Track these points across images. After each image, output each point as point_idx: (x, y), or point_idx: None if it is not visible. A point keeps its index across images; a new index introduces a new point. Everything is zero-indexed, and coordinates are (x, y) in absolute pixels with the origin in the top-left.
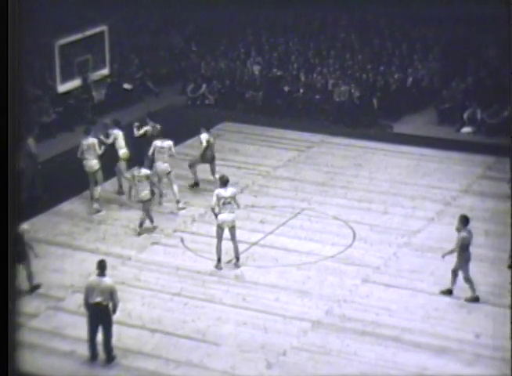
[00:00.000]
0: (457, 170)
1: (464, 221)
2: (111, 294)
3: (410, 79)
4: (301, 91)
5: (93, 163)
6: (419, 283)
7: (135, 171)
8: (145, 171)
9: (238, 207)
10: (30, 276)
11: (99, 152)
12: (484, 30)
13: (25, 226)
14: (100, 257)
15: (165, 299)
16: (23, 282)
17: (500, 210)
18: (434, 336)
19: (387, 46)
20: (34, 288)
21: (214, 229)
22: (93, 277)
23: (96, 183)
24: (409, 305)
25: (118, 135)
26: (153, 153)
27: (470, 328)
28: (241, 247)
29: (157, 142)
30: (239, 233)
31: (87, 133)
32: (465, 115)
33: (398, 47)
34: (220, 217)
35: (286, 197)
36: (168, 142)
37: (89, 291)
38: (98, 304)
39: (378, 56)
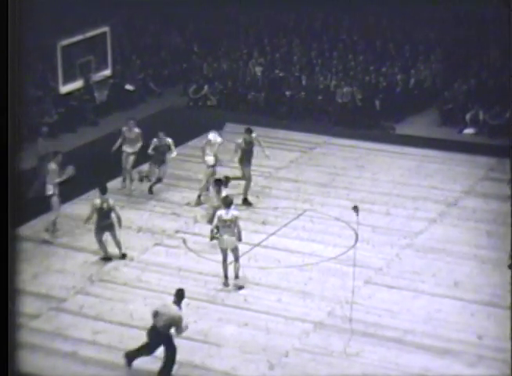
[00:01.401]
0: (459, 171)
1: None
2: (176, 324)
3: (412, 80)
4: (303, 92)
5: (48, 188)
6: (421, 284)
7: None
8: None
9: (238, 232)
10: (118, 245)
11: (57, 180)
12: (485, 31)
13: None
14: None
15: (167, 300)
16: (25, 282)
17: (503, 211)
18: (437, 337)
19: (389, 47)
20: (123, 256)
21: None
22: (168, 302)
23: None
24: (412, 306)
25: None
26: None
27: (472, 329)
28: (243, 248)
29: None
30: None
31: (52, 159)
32: (467, 116)
33: (400, 48)
34: (220, 239)
35: (288, 198)
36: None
37: (157, 313)
38: (155, 328)
39: (380, 58)
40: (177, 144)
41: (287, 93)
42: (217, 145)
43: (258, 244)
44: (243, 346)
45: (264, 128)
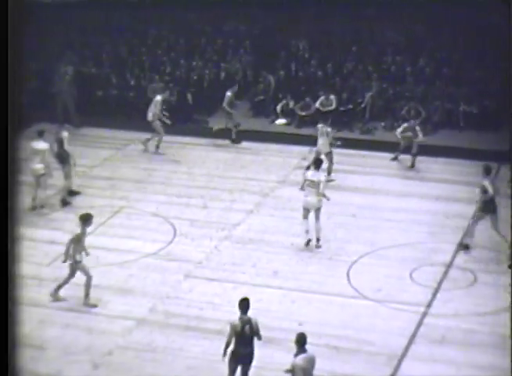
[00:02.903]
0: (273, 161)
1: None
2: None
3: (223, 73)
4: (114, 90)
5: (38, 167)
6: (241, 275)
7: None
8: None
9: (323, 195)
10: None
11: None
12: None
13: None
14: None
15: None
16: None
17: None
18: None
19: (200, 42)
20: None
21: (31, 232)
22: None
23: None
24: (232, 297)
25: None
26: None
27: (293, 317)
28: (60, 248)
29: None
30: (57, 234)
31: (40, 136)
32: (278, 107)
33: (211, 41)
34: (304, 199)
35: (104, 196)
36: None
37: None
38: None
39: (190, 51)
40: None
41: (99, 93)
42: None
43: None
44: (66, 347)
45: (76, 126)
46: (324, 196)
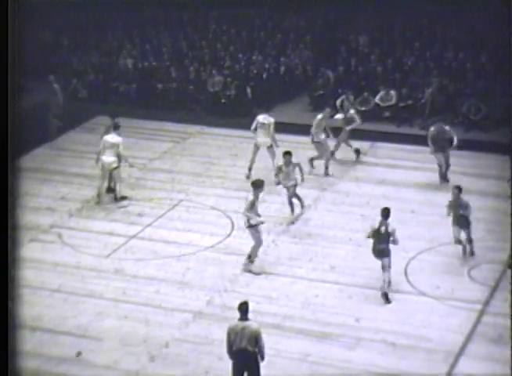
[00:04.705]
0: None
1: None
2: (256, 339)
3: (283, 68)
4: (174, 83)
5: (111, 160)
6: (298, 270)
7: None
8: None
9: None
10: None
11: (121, 152)
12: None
13: None
14: None
15: (44, 296)
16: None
17: (375, 194)
18: (315, 322)
19: (258, 35)
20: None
21: (90, 224)
22: (235, 322)
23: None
24: (290, 292)
25: None
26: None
27: (350, 312)
28: (119, 240)
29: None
30: (116, 226)
31: (115, 129)
32: (337, 102)
33: (270, 36)
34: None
35: (163, 188)
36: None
37: (232, 336)
38: (244, 350)
39: (250, 46)
40: (49, 138)
41: (159, 86)
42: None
43: (135, 236)
44: (123, 339)
45: (136, 119)
46: (274, 138)
